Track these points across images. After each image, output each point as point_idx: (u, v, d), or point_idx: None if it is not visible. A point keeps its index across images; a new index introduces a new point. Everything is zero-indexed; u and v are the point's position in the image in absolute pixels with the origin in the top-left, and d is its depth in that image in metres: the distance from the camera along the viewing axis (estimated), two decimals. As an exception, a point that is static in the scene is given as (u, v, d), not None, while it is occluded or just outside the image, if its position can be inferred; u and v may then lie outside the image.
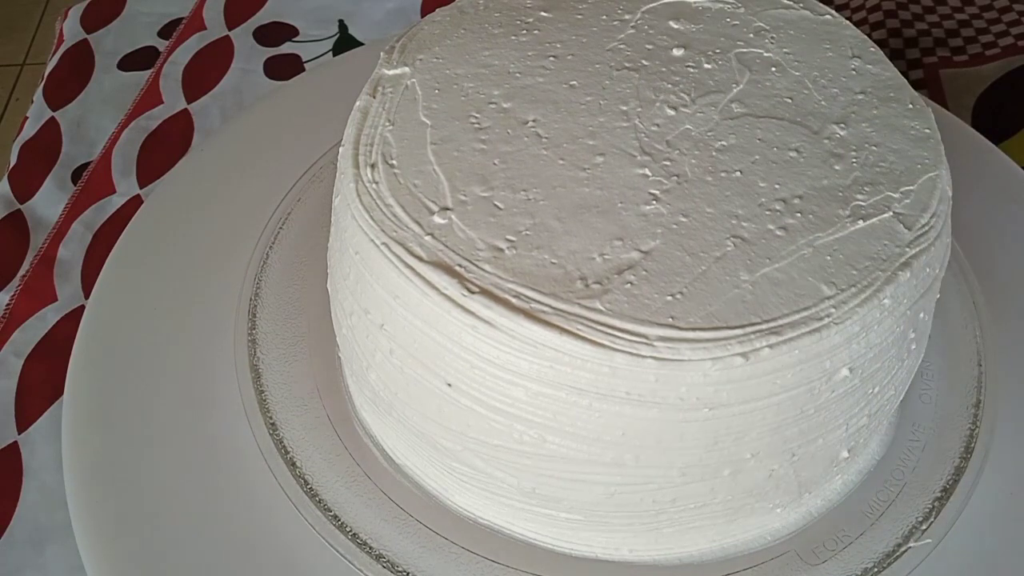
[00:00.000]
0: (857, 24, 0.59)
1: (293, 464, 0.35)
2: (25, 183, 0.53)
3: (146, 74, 0.59)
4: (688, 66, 0.34)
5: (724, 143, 0.31)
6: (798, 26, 0.36)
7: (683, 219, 0.29)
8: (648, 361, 0.27)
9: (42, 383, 0.44)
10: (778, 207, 0.30)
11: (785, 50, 0.34)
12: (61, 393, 0.39)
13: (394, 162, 0.32)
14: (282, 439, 0.36)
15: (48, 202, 0.52)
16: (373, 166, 0.32)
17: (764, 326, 0.27)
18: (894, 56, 0.57)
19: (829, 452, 0.31)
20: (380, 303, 0.30)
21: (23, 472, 0.41)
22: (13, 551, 0.39)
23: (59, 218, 0.51)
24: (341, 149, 0.33)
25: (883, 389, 0.31)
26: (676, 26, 0.35)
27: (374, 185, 0.31)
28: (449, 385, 0.30)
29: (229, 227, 0.43)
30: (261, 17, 0.63)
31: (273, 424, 0.36)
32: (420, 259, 0.29)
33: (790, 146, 0.32)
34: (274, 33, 0.62)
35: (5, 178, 0.53)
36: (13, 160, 0.55)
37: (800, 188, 0.30)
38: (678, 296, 0.28)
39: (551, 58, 0.34)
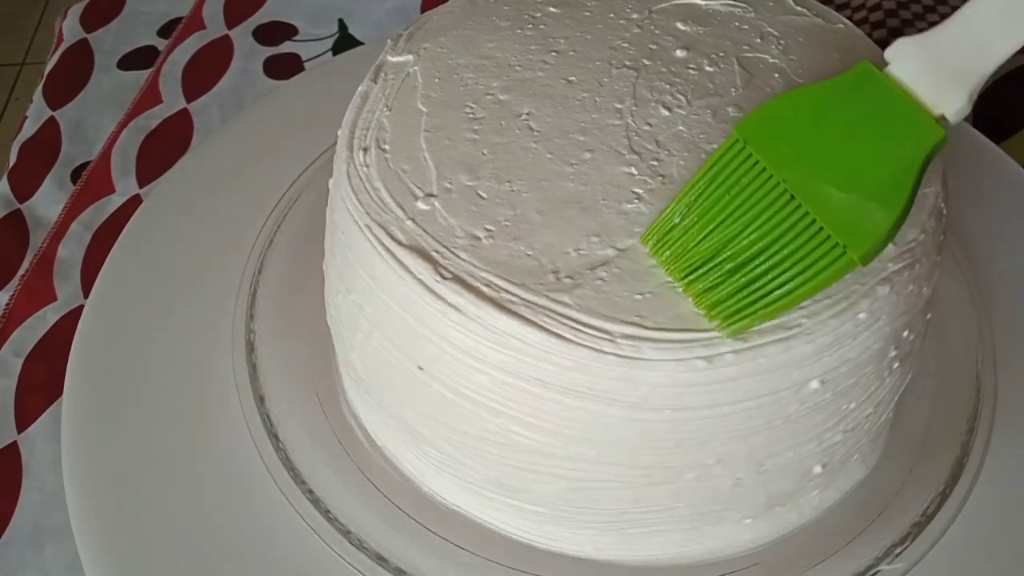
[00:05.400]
0: (857, 24, 0.59)
1: (292, 467, 0.35)
2: (25, 182, 0.53)
3: (146, 73, 0.59)
4: (689, 68, 0.33)
5: (715, 146, 0.31)
6: (809, 34, 0.35)
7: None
8: (610, 358, 0.27)
9: (42, 383, 0.44)
10: None
11: (791, 57, 0.34)
12: (60, 393, 0.39)
13: (387, 147, 0.32)
14: (281, 440, 0.36)
15: (47, 201, 0.52)
16: (366, 149, 0.32)
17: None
18: (894, 55, 0.57)
19: (800, 466, 0.31)
20: (360, 284, 0.31)
21: (23, 472, 0.41)
22: (13, 551, 0.39)
23: (58, 218, 0.51)
24: (339, 132, 0.34)
25: (860, 406, 0.30)
26: (683, 27, 0.35)
27: (365, 168, 0.31)
28: (421, 368, 0.30)
29: (228, 227, 0.43)
30: (261, 16, 0.63)
31: (272, 426, 0.36)
32: (399, 243, 0.29)
33: None
34: (274, 32, 0.61)
35: (5, 177, 0.54)
36: (13, 159, 0.55)
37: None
38: (647, 295, 0.28)
39: (553, 53, 0.34)
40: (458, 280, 0.28)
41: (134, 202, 0.51)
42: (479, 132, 0.32)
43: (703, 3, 0.36)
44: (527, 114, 0.32)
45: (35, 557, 0.38)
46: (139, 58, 0.61)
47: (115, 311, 0.41)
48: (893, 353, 0.30)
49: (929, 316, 0.33)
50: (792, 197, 0.27)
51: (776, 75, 0.33)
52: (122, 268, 0.43)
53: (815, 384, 0.28)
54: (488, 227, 0.29)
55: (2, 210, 0.52)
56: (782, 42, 0.34)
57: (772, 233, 0.27)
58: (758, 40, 0.34)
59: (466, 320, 0.28)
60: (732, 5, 0.36)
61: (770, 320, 0.27)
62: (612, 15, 0.35)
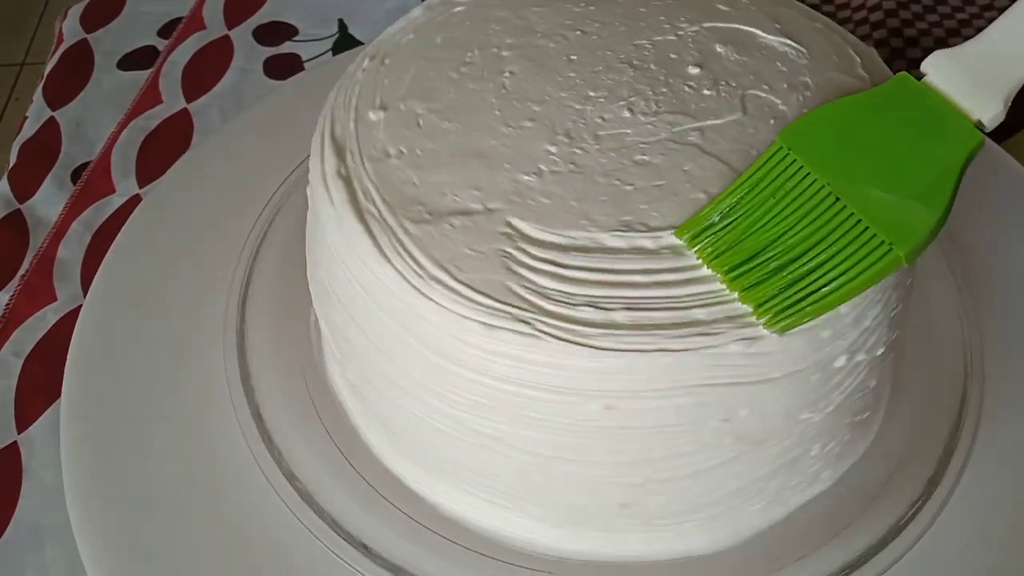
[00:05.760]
0: (857, 24, 0.60)
1: (284, 466, 0.35)
2: (25, 183, 0.53)
3: (146, 74, 0.59)
4: (688, 85, 0.33)
5: (647, 158, 0.31)
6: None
7: (543, 200, 0.30)
8: (415, 293, 0.28)
9: (42, 383, 0.44)
10: (634, 232, 0.29)
11: (805, 111, 0.31)
12: (60, 393, 0.39)
13: (387, 61, 0.35)
14: (274, 441, 0.36)
15: (48, 202, 0.52)
16: (373, 58, 0.35)
17: (516, 311, 0.27)
18: (894, 56, 0.57)
19: (599, 491, 0.31)
20: (309, 171, 0.34)
21: (23, 472, 0.41)
22: (13, 551, 0.39)
23: (58, 218, 0.51)
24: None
25: (668, 461, 0.29)
26: (719, 49, 0.34)
27: (361, 73, 0.34)
28: (317, 267, 0.33)
29: (227, 227, 0.43)
30: (261, 16, 0.63)
31: (265, 425, 0.36)
32: (332, 137, 0.32)
33: (707, 189, 0.30)
34: (274, 32, 0.61)
35: (5, 178, 0.53)
36: (13, 160, 0.55)
37: (672, 223, 0.29)
38: (478, 254, 0.29)
39: (578, 32, 0.34)
40: (345, 180, 0.31)
41: (134, 202, 0.51)
42: (461, 75, 0.34)
43: (761, 34, 0.34)
44: (510, 73, 0.33)
45: (35, 557, 0.38)
46: (139, 58, 0.61)
47: (113, 310, 0.41)
48: (716, 423, 0.29)
49: (808, 416, 0.30)
50: (837, 199, 0.27)
51: (771, 121, 0.31)
52: (120, 267, 0.43)
53: (596, 405, 0.28)
54: (402, 149, 0.31)
55: (2, 210, 0.52)
56: (807, 95, 0.32)
57: (817, 233, 0.27)
58: (784, 86, 0.32)
59: (336, 217, 0.30)
60: (790, 46, 0.34)
61: (817, 317, 0.27)
62: (663, 17, 0.35)
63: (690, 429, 0.29)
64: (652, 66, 0.33)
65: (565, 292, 0.28)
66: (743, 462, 0.30)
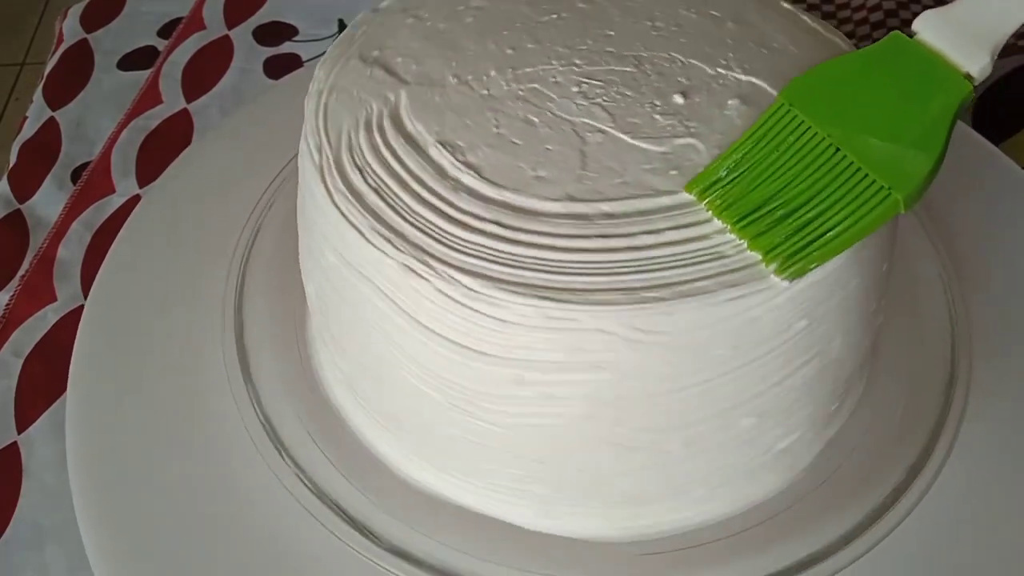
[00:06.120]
0: (857, 24, 0.60)
1: (288, 454, 0.35)
2: (25, 183, 0.53)
3: (146, 74, 0.59)
4: (654, 103, 0.31)
5: (536, 121, 0.31)
6: None
7: (436, 98, 0.32)
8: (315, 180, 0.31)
9: (42, 383, 0.44)
10: (456, 160, 0.30)
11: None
12: (60, 393, 0.39)
13: None
14: (279, 434, 0.36)
15: (48, 202, 0.52)
16: None
17: (327, 153, 0.30)
18: (894, 56, 0.57)
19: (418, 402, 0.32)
20: None
21: (23, 472, 0.41)
22: (13, 551, 0.39)
23: (58, 218, 0.51)
24: None
25: (432, 385, 0.30)
26: (730, 101, 0.31)
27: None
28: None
29: (226, 224, 0.43)
30: (261, 16, 0.63)
31: (270, 423, 0.36)
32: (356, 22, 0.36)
33: (540, 172, 0.30)
34: (274, 32, 0.62)
35: (5, 178, 0.54)
36: (13, 160, 0.55)
37: (486, 174, 0.30)
38: (355, 97, 0.32)
39: (647, 23, 0.34)
40: (361, 22, 0.35)
41: (134, 202, 0.51)
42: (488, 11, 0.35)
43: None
44: (556, 15, 0.35)
45: (35, 557, 0.38)
46: (139, 58, 0.61)
47: (115, 308, 0.41)
48: (451, 359, 0.29)
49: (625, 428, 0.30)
50: (837, 150, 0.29)
51: (673, 172, 0.30)
52: (121, 265, 0.43)
53: (359, 288, 0.30)
54: (423, 16, 0.35)
55: (2, 210, 0.52)
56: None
57: (820, 182, 0.29)
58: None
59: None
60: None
61: (824, 262, 0.28)
62: (731, 55, 0.33)
63: (427, 355, 0.30)
64: (653, 75, 0.32)
65: (370, 168, 0.30)
66: (482, 424, 0.30)
